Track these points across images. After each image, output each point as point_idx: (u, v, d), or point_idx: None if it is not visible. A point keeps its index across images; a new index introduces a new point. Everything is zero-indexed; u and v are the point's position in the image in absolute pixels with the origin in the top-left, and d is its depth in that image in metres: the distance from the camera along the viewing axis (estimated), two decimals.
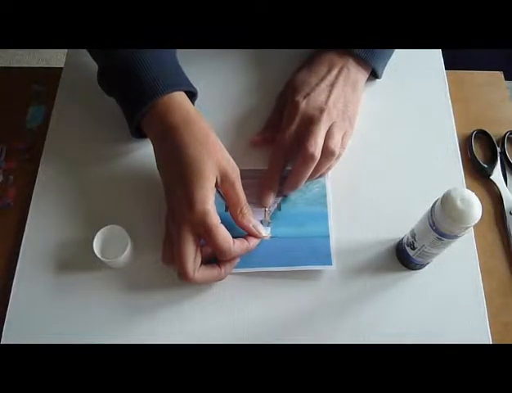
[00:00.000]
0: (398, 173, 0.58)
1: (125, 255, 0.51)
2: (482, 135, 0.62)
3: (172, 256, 0.48)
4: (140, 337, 0.50)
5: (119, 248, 0.51)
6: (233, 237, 0.48)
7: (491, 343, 0.50)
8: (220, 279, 0.50)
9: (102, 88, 0.55)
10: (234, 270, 0.51)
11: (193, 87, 0.55)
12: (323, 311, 0.51)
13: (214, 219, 0.47)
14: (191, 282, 0.48)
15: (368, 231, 0.55)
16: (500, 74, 0.66)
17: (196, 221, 0.46)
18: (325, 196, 0.56)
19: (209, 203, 0.47)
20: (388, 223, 0.55)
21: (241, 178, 0.56)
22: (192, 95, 0.55)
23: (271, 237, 0.53)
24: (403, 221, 0.52)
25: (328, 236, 0.54)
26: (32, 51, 1.60)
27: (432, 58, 0.65)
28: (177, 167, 0.48)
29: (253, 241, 0.51)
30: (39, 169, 0.57)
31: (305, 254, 0.53)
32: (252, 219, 0.51)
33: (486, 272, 0.53)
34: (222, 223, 0.48)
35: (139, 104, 0.51)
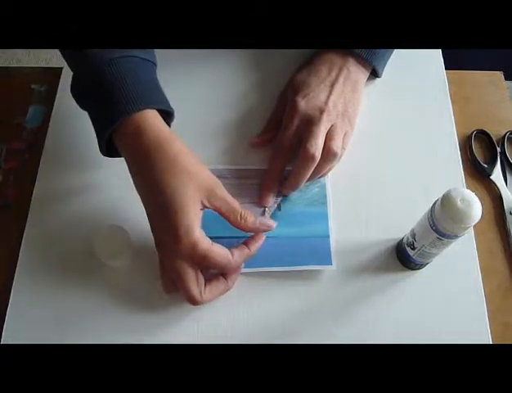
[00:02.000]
0: (398, 173, 0.58)
1: (125, 255, 0.51)
2: (482, 135, 0.62)
3: (174, 286, 0.48)
4: (140, 337, 0.50)
5: (119, 248, 0.51)
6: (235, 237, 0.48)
7: (491, 343, 0.50)
8: (228, 290, 0.50)
9: (75, 100, 0.51)
10: None
11: (169, 106, 0.50)
12: (323, 311, 0.51)
13: (204, 244, 0.45)
14: (202, 304, 0.47)
15: (368, 231, 0.55)
16: (500, 74, 0.66)
17: (187, 253, 0.45)
18: (325, 196, 0.56)
19: (196, 231, 0.45)
20: (388, 223, 0.55)
21: (241, 177, 0.57)
22: (168, 115, 0.50)
23: (271, 237, 0.53)
24: (403, 221, 0.52)
25: (328, 236, 0.54)
26: (32, 51, 1.59)
27: (432, 58, 0.65)
28: (156, 197, 0.46)
29: (254, 246, 0.50)
30: (39, 169, 0.57)
31: (305, 254, 0.53)
32: (254, 218, 0.49)
33: (486, 272, 0.53)
34: (220, 223, 0.47)
35: (108, 121, 0.47)
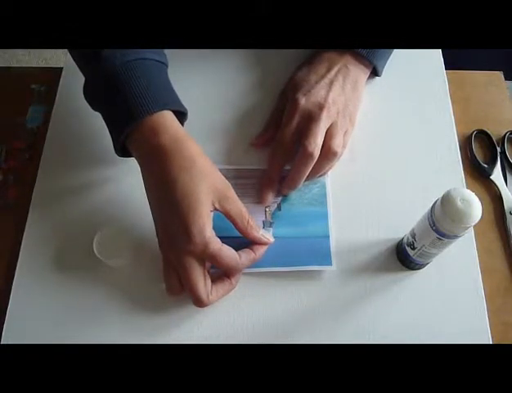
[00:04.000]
0: (398, 173, 0.58)
1: (125, 254, 0.51)
2: (482, 135, 0.62)
3: (179, 286, 0.48)
4: (140, 337, 0.50)
5: (119, 248, 0.51)
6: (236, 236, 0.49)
7: (491, 343, 0.50)
8: (232, 290, 0.50)
9: (87, 102, 0.52)
10: None
11: (183, 106, 0.51)
12: (323, 311, 0.51)
13: (216, 244, 0.46)
14: (207, 306, 0.48)
15: (368, 231, 0.55)
16: (500, 74, 0.66)
17: (198, 252, 0.45)
18: (325, 195, 0.56)
19: (208, 231, 0.45)
20: (388, 223, 0.55)
21: (241, 177, 0.56)
22: (182, 115, 0.51)
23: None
24: (403, 221, 0.52)
25: (328, 236, 0.54)
26: (32, 51, 1.59)
27: (432, 58, 0.65)
28: (169, 196, 0.46)
29: (259, 251, 0.50)
30: (39, 169, 0.57)
31: (305, 254, 0.53)
32: (258, 227, 0.50)
33: (486, 272, 0.53)
34: (221, 223, 0.48)
35: (124, 123, 0.47)
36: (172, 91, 0.51)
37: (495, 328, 0.51)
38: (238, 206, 0.48)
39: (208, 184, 0.47)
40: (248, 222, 0.49)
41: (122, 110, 0.48)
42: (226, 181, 0.49)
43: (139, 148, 0.49)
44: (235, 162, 0.58)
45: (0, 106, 0.63)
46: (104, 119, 0.51)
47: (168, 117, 0.48)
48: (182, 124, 0.51)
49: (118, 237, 0.51)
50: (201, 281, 0.46)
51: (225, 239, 0.47)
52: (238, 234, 0.49)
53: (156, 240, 0.49)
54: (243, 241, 0.50)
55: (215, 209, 0.47)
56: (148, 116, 0.47)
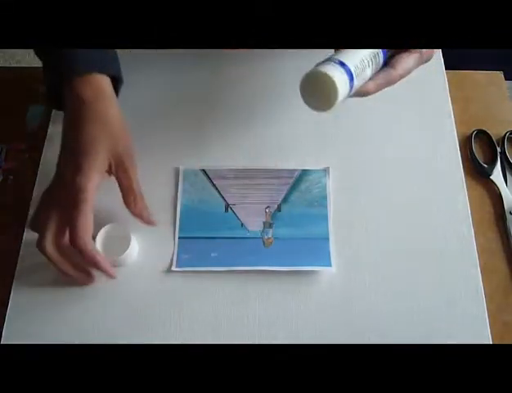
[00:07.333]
0: (398, 174, 0.58)
1: (126, 254, 0.51)
2: (482, 135, 0.62)
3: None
4: (140, 337, 0.50)
5: (121, 247, 0.51)
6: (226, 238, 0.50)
7: (491, 343, 0.50)
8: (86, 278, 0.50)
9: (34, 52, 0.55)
10: (233, 268, 0.52)
11: (117, 71, 0.52)
12: (323, 312, 0.51)
13: (88, 198, 0.46)
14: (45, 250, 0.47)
15: (368, 232, 0.55)
16: (500, 74, 0.66)
17: (71, 192, 0.46)
18: (325, 197, 0.56)
19: (90, 183, 0.46)
20: (387, 224, 0.55)
21: (243, 178, 0.56)
22: (117, 82, 0.52)
23: (272, 237, 0.53)
24: (403, 221, 0.52)
25: (327, 238, 0.54)
26: (32, 51, 1.59)
27: (432, 58, 0.65)
28: (72, 141, 0.48)
29: (111, 271, 0.49)
30: (39, 169, 0.57)
31: (304, 255, 0.53)
32: (145, 207, 0.50)
33: (486, 272, 0.53)
34: (221, 223, 0.48)
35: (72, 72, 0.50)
36: (110, 55, 0.52)
37: (495, 328, 0.51)
38: (130, 178, 0.49)
39: (110, 144, 0.48)
40: (134, 198, 0.49)
41: (56, 66, 0.50)
42: (132, 151, 0.49)
43: (66, 101, 0.50)
44: (237, 162, 0.58)
45: (0, 106, 0.63)
46: (45, 65, 0.53)
47: (99, 78, 0.49)
48: (118, 90, 0.52)
49: (119, 236, 0.51)
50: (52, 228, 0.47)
51: (231, 239, 0.48)
52: (210, 234, 0.51)
53: (158, 239, 0.49)
54: (250, 242, 0.51)
55: (109, 171, 0.49)
56: (78, 76, 0.48)
